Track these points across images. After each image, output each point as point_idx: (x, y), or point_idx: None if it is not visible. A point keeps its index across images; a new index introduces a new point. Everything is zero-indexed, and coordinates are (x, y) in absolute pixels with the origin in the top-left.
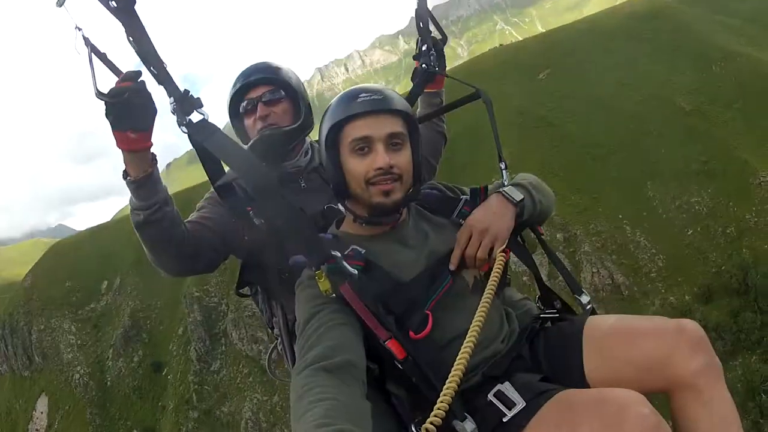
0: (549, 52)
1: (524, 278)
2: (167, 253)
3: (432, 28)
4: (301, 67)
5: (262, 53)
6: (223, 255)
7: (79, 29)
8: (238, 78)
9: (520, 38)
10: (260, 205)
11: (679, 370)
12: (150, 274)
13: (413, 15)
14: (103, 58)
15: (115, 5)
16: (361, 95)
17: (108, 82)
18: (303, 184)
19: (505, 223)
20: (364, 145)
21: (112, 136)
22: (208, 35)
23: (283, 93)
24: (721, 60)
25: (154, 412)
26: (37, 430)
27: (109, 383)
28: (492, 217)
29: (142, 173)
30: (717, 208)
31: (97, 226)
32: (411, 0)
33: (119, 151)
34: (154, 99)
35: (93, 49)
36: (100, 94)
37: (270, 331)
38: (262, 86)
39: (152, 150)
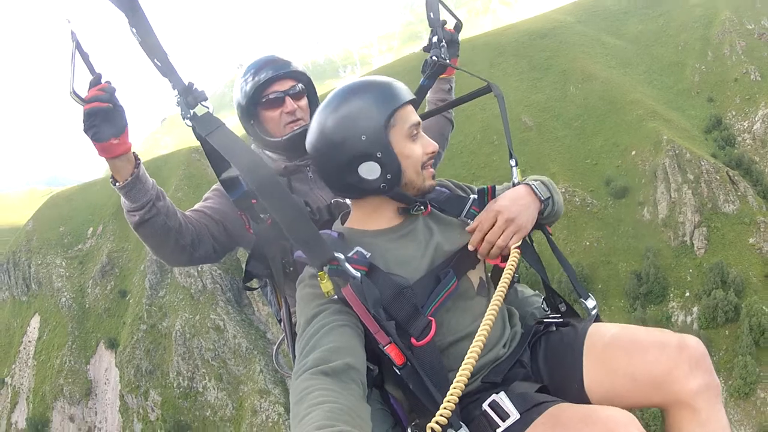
0: None
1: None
2: (166, 245)
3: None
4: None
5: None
6: (226, 244)
7: (69, 21)
8: (260, 68)
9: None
10: (262, 202)
11: (678, 388)
12: (125, 224)
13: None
14: (85, 57)
15: None
16: (395, 84)
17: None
18: (310, 175)
19: (530, 215)
20: (417, 131)
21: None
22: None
23: (304, 88)
24: (581, 81)
25: (117, 326)
26: (29, 341)
27: (87, 305)
28: (520, 208)
29: (129, 176)
30: None
31: (87, 183)
32: None
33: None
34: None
35: (77, 46)
36: (75, 95)
37: (279, 323)
38: (289, 80)
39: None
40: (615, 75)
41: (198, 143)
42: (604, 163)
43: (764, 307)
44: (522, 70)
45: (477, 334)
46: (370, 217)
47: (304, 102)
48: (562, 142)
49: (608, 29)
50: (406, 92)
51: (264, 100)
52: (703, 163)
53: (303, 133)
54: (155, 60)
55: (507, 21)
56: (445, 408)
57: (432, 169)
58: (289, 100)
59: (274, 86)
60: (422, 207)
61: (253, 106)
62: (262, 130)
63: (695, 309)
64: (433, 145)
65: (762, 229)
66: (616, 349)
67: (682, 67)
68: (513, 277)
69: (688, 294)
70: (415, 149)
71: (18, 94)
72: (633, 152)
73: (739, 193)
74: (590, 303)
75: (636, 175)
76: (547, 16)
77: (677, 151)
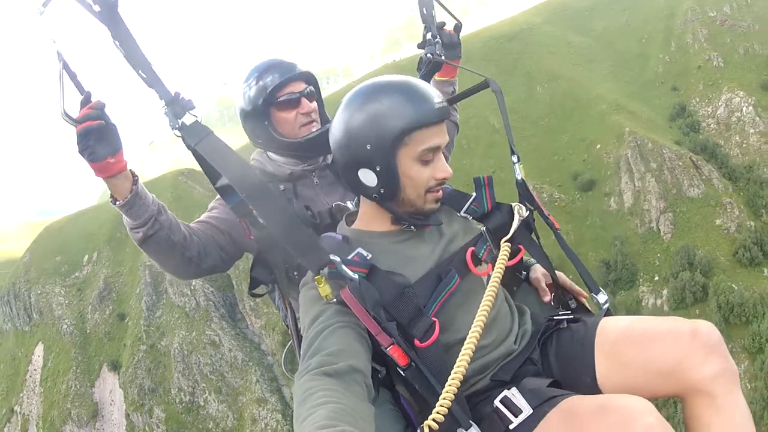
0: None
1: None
2: (172, 259)
3: (437, 14)
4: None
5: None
6: (233, 253)
7: (54, 42)
8: (266, 70)
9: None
10: (252, 208)
11: (693, 375)
12: (119, 250)
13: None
14: (73, 77)
15: (99, 9)
16: (435, 99)
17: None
18: (316, 180)
19: None
20: (432, 155)
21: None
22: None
23: (314, 91)
24: (547, 81)
25: (118, 348)
26: (35, 369)
27: (88, 330)
28: None
29: (128, 193)
30: None
31: (79, 212)
32: None
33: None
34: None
35: (64, 66)
36: (66, 116)
37: (287, 328)
38: (303, 82)
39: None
40: (580, 72)
41: (183, 166)
42: (571, 158)
43: (732, 285)
44: (490, 74)
45: (471, 329)
46: (375, 218)
47: (314, 104)
48: (530, 141)
49: (574, 28)
50: (433, 111)
51: (277, 101)
52: (665, 151)
53: (320, 135)
54: (140, 72)
55: (486, 22)
56: (441, 405)
57: (438, 194)
58: (305, 101)
59: (289, 87)
60: (412, 227)
61: (266, 107)
62: (273, 129)
63: (665, 292)
64: (444, 172)
65: (728, 210)
66: (627, 342)
67: (646, 59)
68: (517, 274)
69: (657, 278)
70: (422, 172)
71: (3, 128)
72: (598, 146)
73: (704, 177)
74: (601, 297)
75: (601, 168)
76: (516, 19)
77: (639, 142)
